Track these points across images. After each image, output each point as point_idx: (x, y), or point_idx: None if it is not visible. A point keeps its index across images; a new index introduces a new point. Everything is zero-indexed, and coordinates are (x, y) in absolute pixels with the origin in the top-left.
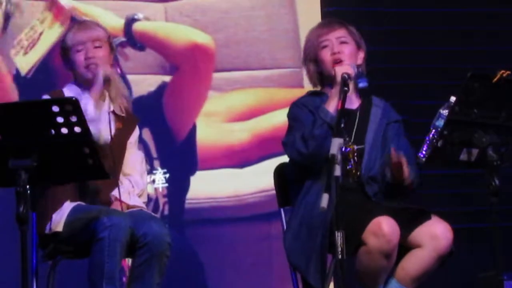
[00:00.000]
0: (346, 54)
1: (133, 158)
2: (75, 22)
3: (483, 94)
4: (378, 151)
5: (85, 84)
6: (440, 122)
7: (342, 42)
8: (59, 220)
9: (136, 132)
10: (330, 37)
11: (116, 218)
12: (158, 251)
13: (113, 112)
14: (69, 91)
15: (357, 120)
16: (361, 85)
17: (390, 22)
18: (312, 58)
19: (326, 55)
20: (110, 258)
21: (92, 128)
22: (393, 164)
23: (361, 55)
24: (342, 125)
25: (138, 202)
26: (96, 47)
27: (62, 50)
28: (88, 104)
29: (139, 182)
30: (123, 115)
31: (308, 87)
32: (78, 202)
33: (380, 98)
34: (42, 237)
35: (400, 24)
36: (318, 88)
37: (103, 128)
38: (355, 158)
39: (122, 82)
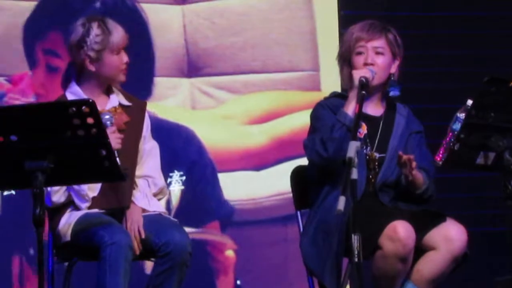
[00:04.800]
0: (379, 65)
1: (148, 153)
2: (105, 21)
3: (500, 97)
4: None
5: (104, 81)
6: (457, 126)
7: (378, 53)
8: (67, 229)
9: (147, 121)
10: (367, 45)
11: (117, 235)
12: (179, 261)
13: (120, 105)
14: (71, 95)
15: (380, 128)
16: (392, 93)
17: (407, 26)
18: (346, 59)
19: (359, 62)
20: (112, 277)
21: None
22: (402, 163)
23: (396, 63)
24: (366, 132)
25: (157, 206)
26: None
27: (91, 48)
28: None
29: (157, 181)
30: (130, 104)
31: (325, 90)
32: (86, 211)
33: (404, 106)
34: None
35: (418, 28)
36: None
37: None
38: (376, 167)
39: None
